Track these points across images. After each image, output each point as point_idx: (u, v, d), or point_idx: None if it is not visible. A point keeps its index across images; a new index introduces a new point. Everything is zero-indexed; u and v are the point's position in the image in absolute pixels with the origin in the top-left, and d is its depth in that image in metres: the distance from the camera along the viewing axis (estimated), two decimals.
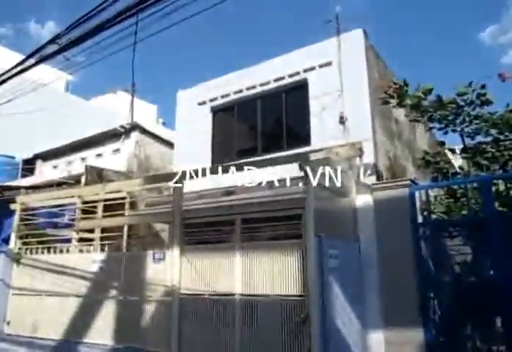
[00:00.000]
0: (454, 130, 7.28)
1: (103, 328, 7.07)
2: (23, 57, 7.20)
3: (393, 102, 7.58)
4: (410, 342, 5.80)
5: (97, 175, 11.07)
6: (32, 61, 6.88)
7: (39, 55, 6.58)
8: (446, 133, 7.43)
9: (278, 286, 5.68)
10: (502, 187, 6.53)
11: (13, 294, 8.47)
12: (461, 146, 7.50)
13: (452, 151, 7.63)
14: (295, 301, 5.48)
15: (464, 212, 6.97)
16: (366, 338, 6.16)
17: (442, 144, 8.02)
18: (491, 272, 5.85)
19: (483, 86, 6.99)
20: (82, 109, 22.72)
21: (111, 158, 13.44)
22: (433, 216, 6.55)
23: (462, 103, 7.07)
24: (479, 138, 7.44)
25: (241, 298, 5.93)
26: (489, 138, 7.38)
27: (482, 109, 7.11)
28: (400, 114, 9.33)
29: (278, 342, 5.46)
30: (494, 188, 6.28)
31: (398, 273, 6.07)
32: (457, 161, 8.17)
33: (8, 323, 8.32)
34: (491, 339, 5.71)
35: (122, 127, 13.42)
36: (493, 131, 7.24)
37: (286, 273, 5.65)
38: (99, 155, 13.98)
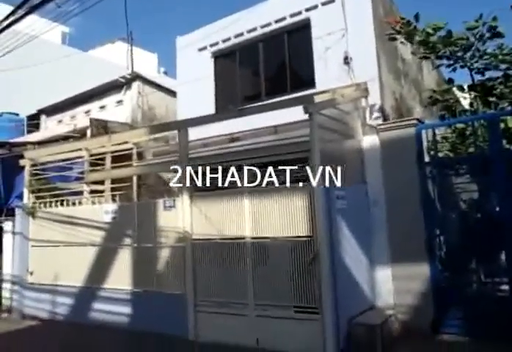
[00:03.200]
0: (463, 66, 7.06)
1: (121, 274, 7.37)
2: (12, 8, 6.95)
3: (400, 38, 7.31)
4: (416, 277, 6.00)
5: (102, 128, 11.06)
6: (22, 12, 6.64)
7: (28, 5, 6.35)
8: (454, 69, 7.20)
9: (287, 228, 5.79)
10: (510, 124, 6.45)
11: (32, 246, 8.78)
12: (469, 83, 7.31)
13: (461, 88, 7.43)
14: (304, 241, 5.60)
15: (471, 150, 6.94)
16: (374, 274, 6.40)
17: (450, 81, 7.80)
18: (497, 209, 5.91)
19: (495, 18, 6.68)
20: (81, 61, 22.21)
21: (115, 109, 13.34)
22: (440, 155, 6.54)
23: (472, 38, 6.81)
24: (488, 75, 7.24)
25: (251, 241, 6.09)
26: (499, 74, 7.17)
27: (492, 43, 6.85)
28: (406, 52, 9.03)
29: (288, 280, 5.67)
30: (502, 125, 6.21)
31: (405, 212, 6.18)
32: (465, 99, 7.99)
33: (31, 273, 8.70)
34: (495, 273, 5.90)
35: (123, 77, 13.19)
36: (503, 66, 7.02)
37: (294, 216, 5.75)
38: (102, 108, 13.87)
